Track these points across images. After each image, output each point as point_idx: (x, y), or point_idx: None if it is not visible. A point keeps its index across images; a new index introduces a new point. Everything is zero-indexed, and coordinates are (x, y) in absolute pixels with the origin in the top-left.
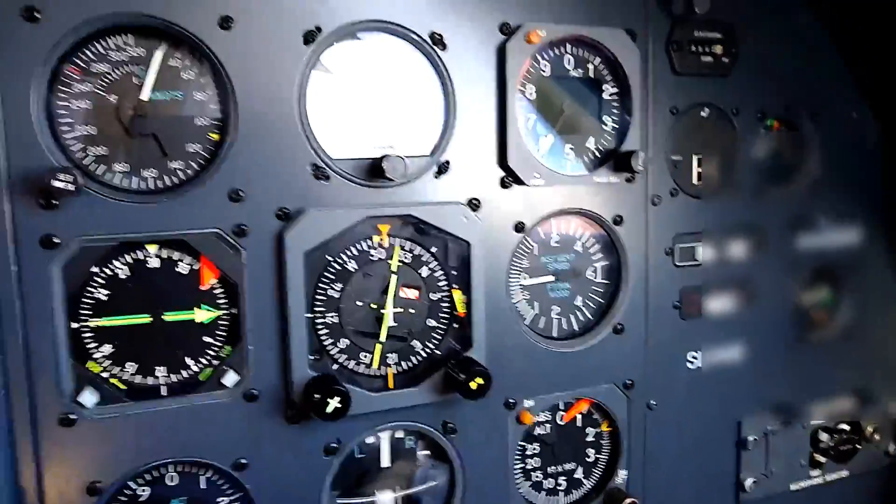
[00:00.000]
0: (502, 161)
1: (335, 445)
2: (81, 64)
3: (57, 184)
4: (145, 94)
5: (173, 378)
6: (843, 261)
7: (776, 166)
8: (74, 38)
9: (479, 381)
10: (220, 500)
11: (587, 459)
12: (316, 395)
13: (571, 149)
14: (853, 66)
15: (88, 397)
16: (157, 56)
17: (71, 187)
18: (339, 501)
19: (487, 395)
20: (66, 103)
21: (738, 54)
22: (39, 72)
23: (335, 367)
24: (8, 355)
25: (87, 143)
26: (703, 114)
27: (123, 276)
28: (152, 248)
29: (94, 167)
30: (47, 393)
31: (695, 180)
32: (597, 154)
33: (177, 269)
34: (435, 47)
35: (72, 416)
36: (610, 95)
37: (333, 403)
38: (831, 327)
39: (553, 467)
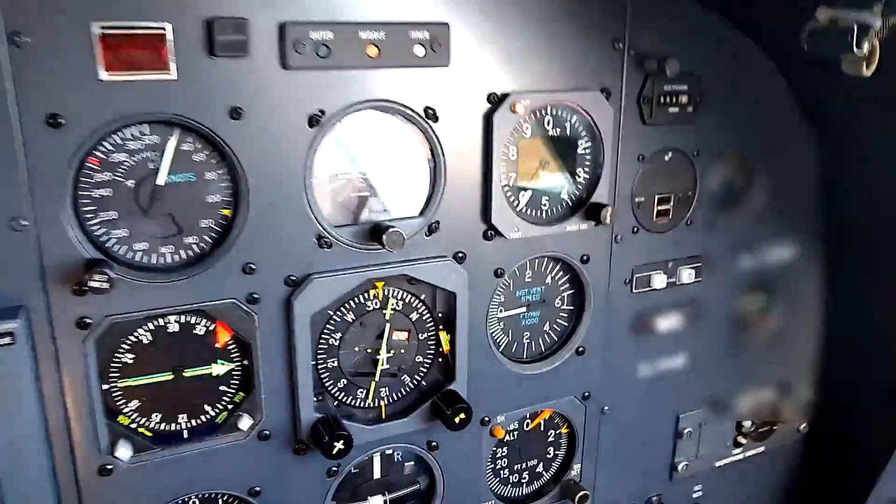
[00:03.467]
0: (485, 218)
1: (335, 469)
2: (101, 155)
3: (93, 284)
4: (161, 180)
5: (193, 423)
6: (777, 273)
7: (727, 200)
8: (96, 138)
9: (462, 416)
10: None
11: (547, 456)
12: (324, 440)
13: (548, 200)
14: (803, 107)
15: (123, 451)
16: (171, 143)
17: (106, 286)
18: None
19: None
20: (89, 193)
21: (701, 103)
22: (65, 172)
23: (335, 403)
24: (50, 421)
25: (110, 227)
26: (666, 158)
27: (146, 342)
28: (172, 316)
29: (116, 248)
30: (86, 448)
31: (654, 218)
32: (570, 203)
33: (194, 331)
34: (428, 120)
35: (109, 466)
36: (584, 150)
37: (338, 446)
38: (761, 330)
39: (518, 465)
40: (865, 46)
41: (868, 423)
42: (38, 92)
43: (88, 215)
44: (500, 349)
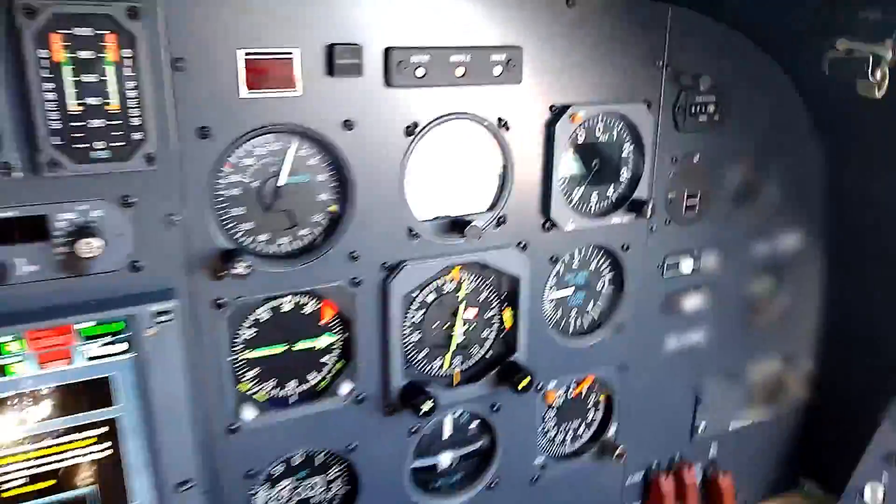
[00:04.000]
0: (545, 212)
1: (417, 428)
2: (234, 160)
3: (237, 271)
4: (282, 181)
5: (300, 388)
6: (786, 262)
7: (744, 196)
8: (235, 146)
9: (527, 380)
10: (330, 470)
11: (587, 418)
12: (414, 401)
13: (597, 195)
14: (813, 117)
15: (248, 412)
16: (291, 150)
17: (248, 271)
18: (414, 464)
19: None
20: (223, 192)
21: (726, 112)
22: (209, 175)
23: (416, 371)
24: (195, 386)
25: (238, 221)
26: (694, 159)
27: (265, 319)
28: (288, 297)
29: (243, 239)
30: (218, 409)
31: (683, 212)
32: (615, 199)
33: (302, 311)
34: (501, 129)
35: (235, 426)
36: (628, 153)
37: (428, 405)
38: (771, 310)
39: (564, 425)
40: (878, 74)
41: (862, 393)
42: (193, 108)
43: (221, 211)
44: (552, 325)
